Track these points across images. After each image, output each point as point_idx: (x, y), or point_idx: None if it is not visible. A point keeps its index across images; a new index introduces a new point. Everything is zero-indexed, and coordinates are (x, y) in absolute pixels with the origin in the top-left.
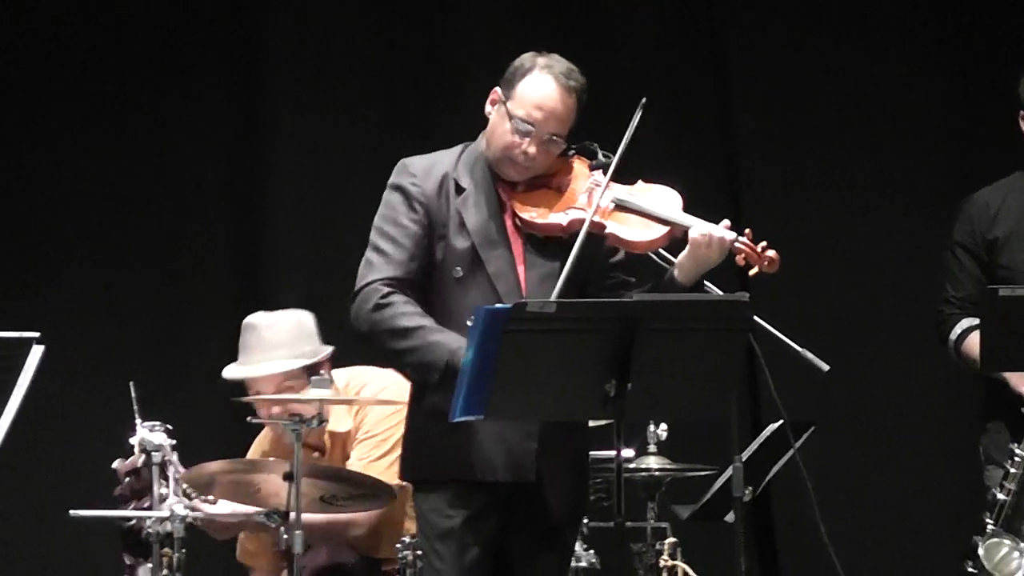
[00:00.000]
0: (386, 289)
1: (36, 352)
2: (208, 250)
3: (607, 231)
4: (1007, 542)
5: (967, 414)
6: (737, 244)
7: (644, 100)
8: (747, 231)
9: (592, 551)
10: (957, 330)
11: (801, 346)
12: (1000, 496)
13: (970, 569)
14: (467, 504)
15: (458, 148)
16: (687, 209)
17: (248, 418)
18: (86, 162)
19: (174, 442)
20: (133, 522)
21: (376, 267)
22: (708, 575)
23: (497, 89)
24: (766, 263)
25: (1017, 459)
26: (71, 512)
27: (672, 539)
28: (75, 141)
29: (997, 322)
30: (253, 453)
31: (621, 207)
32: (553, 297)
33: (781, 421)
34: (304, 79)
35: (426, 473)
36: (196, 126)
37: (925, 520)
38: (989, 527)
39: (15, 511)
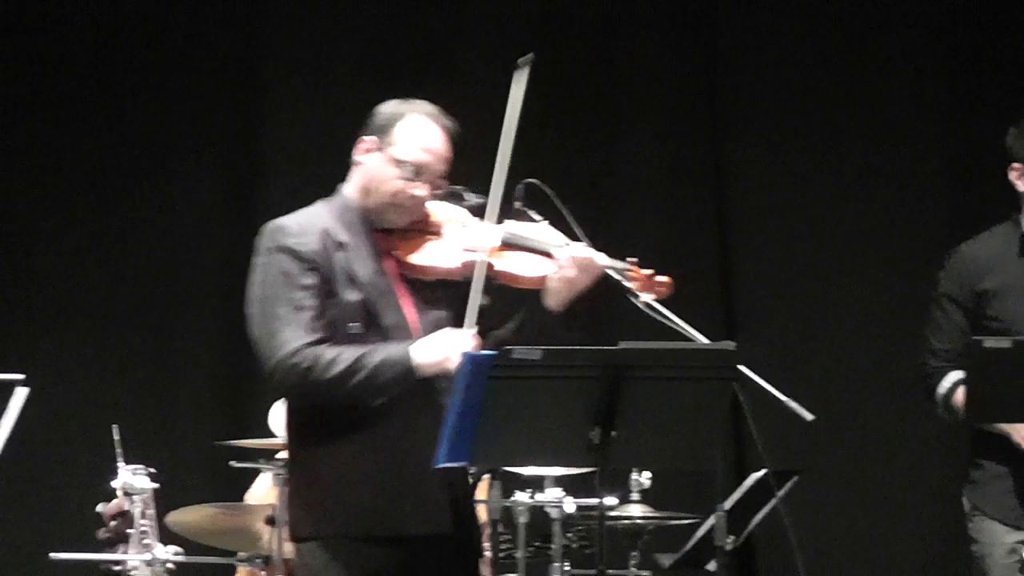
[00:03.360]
0: (306, 351)
1: (21, 394)
2: (196, 295)
3: (496, 269)
4: None
5: (951, 464)
6: (629, 273)
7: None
8: (634, 260)
9: None
10: (946, 384)
11: (786, 395)
12: None
13: None
14: (368, 563)
15: (321, 203)
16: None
17: (231, 462)
18: (76, 208)
19: (156, 485)
20: (118, 566)
21: (284, 339)
22: None
23: (367, 137)
24: (657, 289)
25: None
26: (51, 555)
27: None
28: (66, 188)
29: (981, 373)
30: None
31: (507, 245)
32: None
33: (764, 470)
34: (298, 140)
35: (322, 529)
36: (189, 176)
37: (909, 569)
38: None
39: None
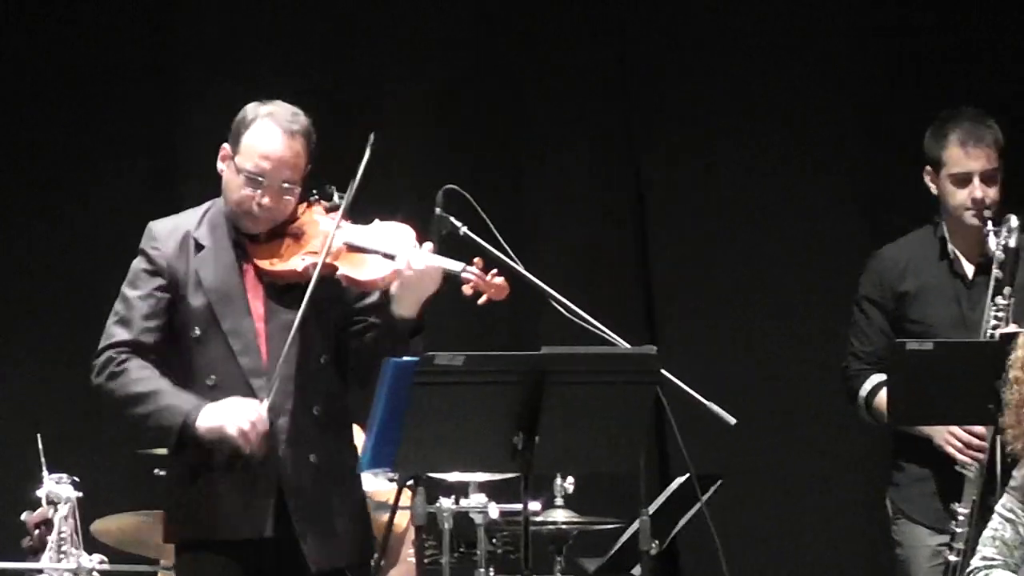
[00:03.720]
0: (123, 356)
1: None
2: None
3: (339, 273)
4: None
5: (874, 467)
6: (464, 274)
7: (372, 136)
8: (476, 260)
9: None
10: (867, 386)
11: (708, 399)
12: (952, 558)
13: None
14: (229, 562)
15: (205, 206)
16: None
17: (155, 470)
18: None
19: (80, 494)
20: (42, 574)
21: (113, 333)
22: None
23: (225, 145)
24: (493, 291)
25: (961, 518)
26: None
27: None
28: None
29: (904, 376)
30: None
31: (353, 248)
32: (285, 346)
33: (688, 474)
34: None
35: (182, 535)
36: (110, 187)
37: (831, 572)
38: None
39: None
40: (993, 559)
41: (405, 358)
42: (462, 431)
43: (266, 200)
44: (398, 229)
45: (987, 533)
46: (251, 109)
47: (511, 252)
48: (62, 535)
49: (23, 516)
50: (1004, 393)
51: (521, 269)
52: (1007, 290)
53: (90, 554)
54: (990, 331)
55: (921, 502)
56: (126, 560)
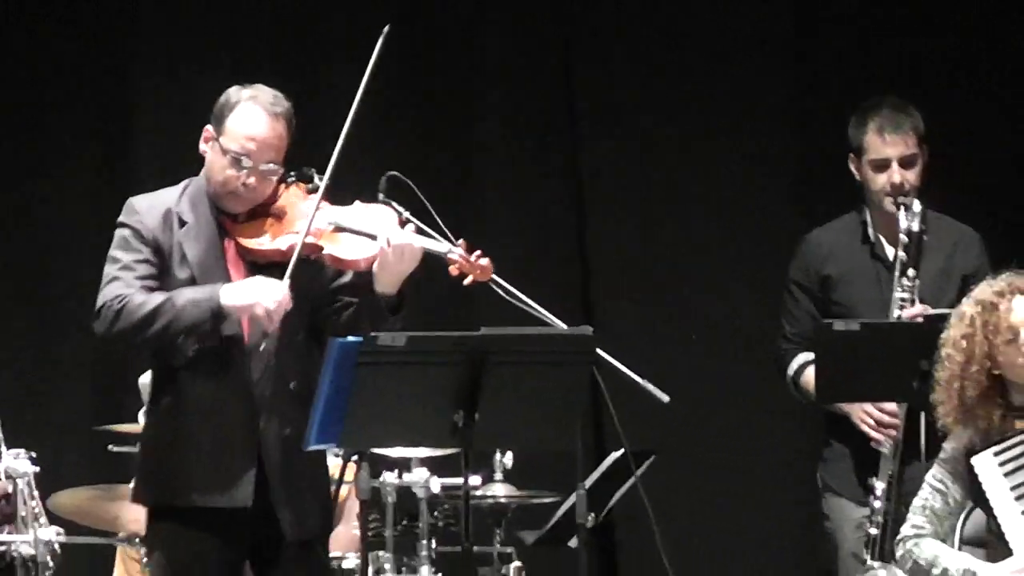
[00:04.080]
0: (119, 299)
1: None
2: (73, 283)
3: (324, 252)
4: (881, 572)
5: (805, 443)
6: (449, 255)
7: (387, 28)
8: (461, 241)
9: (440, 575)
10: (794, 365)
11: (642, 378)
12: (872, 531)
13: None
14: (202, 530)
15: (183, 184)
16: None
17: (110, 446)
18: None
19: (37, 469)
20: (2, 547)
21: (111, 289)
22: None
23: (208, 127)
24: (479, 271)
25: (879, 493)
26: None
27: (518, 563)
28: None
29: (831, 355)
30: None
31: (338, 228)
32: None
33: (623, 450)
34: (168, 134)
35: (159, 499)
36: (65, 169)
37: (765, 545)
38: (868, 561)
39: None
40: (922, 527)
41: (349, 338)
42: (405, 409)
43: (251, 180)
44: (380, 210)
45: (917, 502)
46: (234, 92)
47: (451, 236)
48: (29, 508)
49: None
50: (935, 371)
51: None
52: (911, 271)
53: (48, 526)
54: (897, 311)
55: (845, 477)
56: (82, 532)
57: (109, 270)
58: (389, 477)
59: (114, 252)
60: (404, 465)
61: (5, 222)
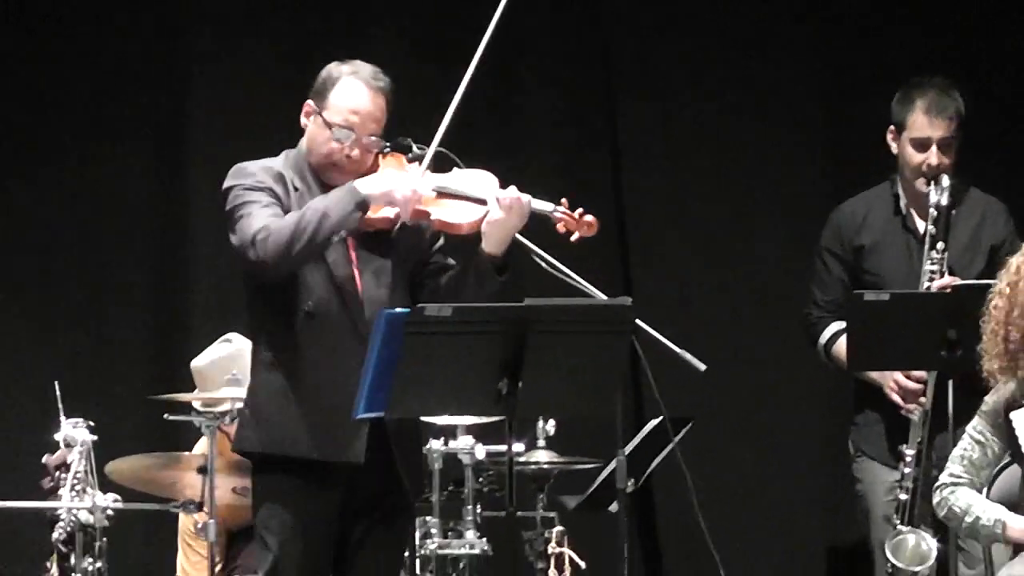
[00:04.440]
0: (263, 230)
1: None
2: (131, 254)
3: (433, 217)
4: (911, 536)
5: (836, 409)
6: (555, 214)
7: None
8: (563, 200)
9: (485, 539)
10: (827, 334)
11: (680, 347)
12: (902, 496)
13: (888, 571)
14: (306, 481)
15: (283, 155)
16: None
17: (165, 415)
18: (15, 173)
19: (95, 437)
20: (61, 512)
21: (249, 224)
22: (593, 562)
23: (310, 102)
24: (585, 228)
25: (908, 459)
26: None
27: (560, 528)
28: (6, 154)
29: (862, 324)
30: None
31: (442, 193)
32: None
33: (661, 417)
34: (220, 106)
35: (267, 447)
36: (121, 143)
37: (798, 508)
38: (898, 526)
39: None
40: (960, 476)
41: (397, 309)
42: (450, 378)
43: (355, 152)
44: (482, 174)
45: (956, 452)
46: (334, 68)
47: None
48: (78, 476)
49: (43, 459)
50: (983, 324)
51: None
52: (940, 244)
53: (104, 493)
54: (926, 282)
55: (877, 442)
56: (137, 499)
57: (244, 210)
58: (436, 444)
59: (243, 192)
60: (450, 432)
61: (62, 192)
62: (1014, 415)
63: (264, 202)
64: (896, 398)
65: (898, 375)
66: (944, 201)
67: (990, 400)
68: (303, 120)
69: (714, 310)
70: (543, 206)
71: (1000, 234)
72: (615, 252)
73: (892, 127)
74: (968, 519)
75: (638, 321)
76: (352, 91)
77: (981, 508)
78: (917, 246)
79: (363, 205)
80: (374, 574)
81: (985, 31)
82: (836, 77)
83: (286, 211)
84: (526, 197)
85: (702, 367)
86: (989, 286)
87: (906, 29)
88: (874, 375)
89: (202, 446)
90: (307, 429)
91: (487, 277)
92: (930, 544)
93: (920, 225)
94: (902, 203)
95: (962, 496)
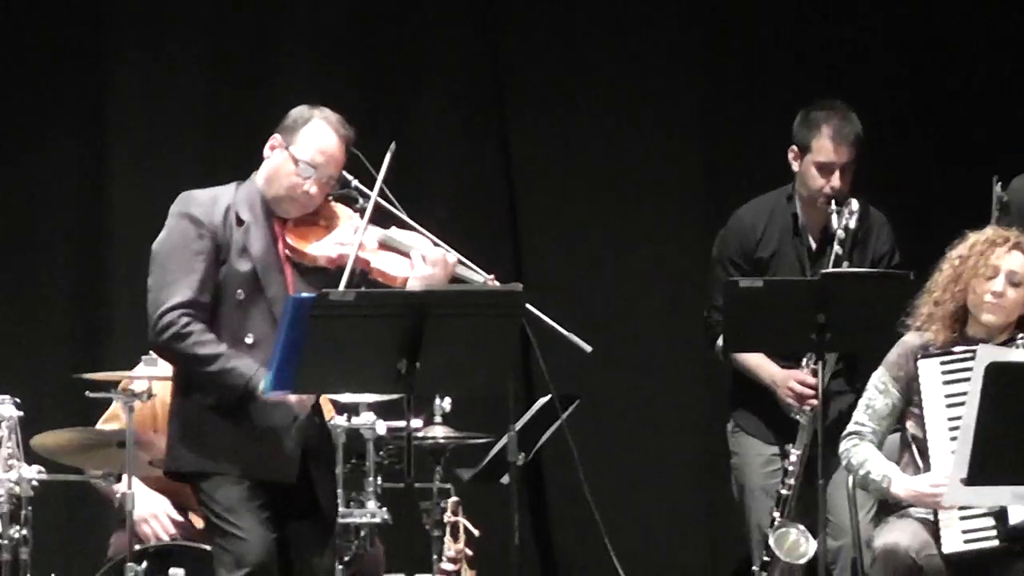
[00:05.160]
0: (185, 319)
1: None
2: (53, 235)
3: (372, 266)
4: (793, 530)
5: (715, 386)
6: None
7: (393, 144)
8: (491, 276)
9: (385, 509)
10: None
11: (567, 330)
12: (783, 492)
13: (765, 558)
14: (251, 487)
15: (233, 185)
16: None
17: (87, 392)
18: None
19: (21, 413)
20: None
21: (172, 293)
22: (487, 530)
23: (277, 136)
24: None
25: (793, 459)
26: None
27: (455, 498)
28: None
29: (738, 310)
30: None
31: (385, 245)
32: None
33: (550, 395)
34: (142, 103)
35: (204, 466)
36: (46, 125)
37: (679, 480)
38: (777, 519)
39: None
40: (864, 424)
41: (303, 295)
42: (353, 358)
43: (314, 189)
44: (417, 236)
45: (862, 402)
46: (306, 110)
47: (397, 203)
48: (7, 450)
49: None
50: (931, 279)
51: (407, 219)
52: (845, 264)
53: (29, 465)
54: None
55: (756, 421)
56: (61, 470)
57: (169, 266)
58: (339, 420)
59: (172, 250)
60: (353, 409)
61: None
62: (921, 363)
63: (192, 265)
64: (790, 402)
65: (792, 382)
66: (852, 225)
67: (894, 352)
68: (267, 152)
69: (599, 296)
70: (474, 277)
71: (882, 248)
72: (507, 242)
73: (794, 147)
74: (861, 471)
75: (528, 306)
76: (322, 133)
77: (873, 464)
78: (809, 262)
79: (246, 394)
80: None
81: (861, 49)
82: (715, 82)
83: (219, 249)
84: (452, 257)
85: (588, 348)
86: (856, 275)
87: (787, 45)
88: (765, 378)
89: (110, 419)
90: (243, 449)
91: None
92: (808, 539)
93: (813, 243)
94: (800, 222)
95: (860, 451)
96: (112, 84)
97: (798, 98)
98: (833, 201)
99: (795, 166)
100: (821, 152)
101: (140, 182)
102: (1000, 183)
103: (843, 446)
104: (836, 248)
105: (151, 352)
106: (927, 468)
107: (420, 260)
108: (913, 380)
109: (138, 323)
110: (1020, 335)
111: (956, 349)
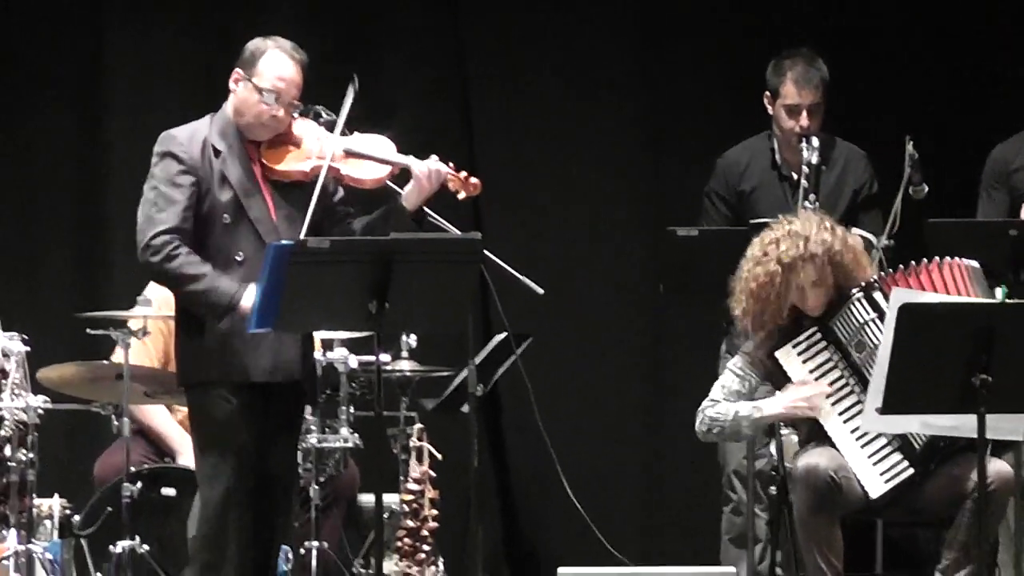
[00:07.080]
0: (174, 242)
1: None
2: (56, 185)
3: (343, 173)
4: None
5: (659, 325)
6: (448, 175)
7: (355, 76)
8: (450, 164)
9: (356, 435)
10: None
11: (522, 274)
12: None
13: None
14: (240, 398)
15: (207, 117)
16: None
17: (87, 329)
18: None
19: (29, 348)
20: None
21: (159, 221)
22: (448, 454)
23: (238, 70)
24: (471, 188)
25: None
26: None
27: (420, 425)
28: None
29: (674, 256)
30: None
31: (351, 153)
32: (302, 233)
33: (506, 333)
34: (136, 59)
35: (205, 376)
36: (46, 82)
37: (618, 413)
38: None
39: None
40: (717, 400)
41: (283, 241)
42: (328, 299)
43: (280, 113)
44: (381, 139)
45: (718, 383)
46: (260, 42)
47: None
48: (15, 381)
49: None
50: (731, 280)
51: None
52: (811, 196)
53: (35, 395)
54: None
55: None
56: (65, 400)
57: (155, 199)
58: (316, 355)
59: (158, 184)
60: (328, 345)
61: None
62: (778, 354)
63: (174, 197)
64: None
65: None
66: (814, 159)
67: (750, 346)
68: (232, 85)
69: (551, 243)
70: (448, 172)
71: (861, 178)
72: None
73: (768, 93)
74: (729, 417)
75: (486, 252)
76: (279, 61)
77: (736, 406)
78: (791, 192)
79: (230, 309)
80: (283, 466)
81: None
82: (659, 46)
83: (201, 181)
84: (442, 168)
85: (540, 291)
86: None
87: (726, 10)
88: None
89: (119, 356)
90: (255, 357)
91: (404, 226)
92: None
93: (794, 175)
94: (777, 157)
95: (720, 408)
96: (113, 24)
97: (739, 63)
98: (804, 139)
99: (770, 110)
100: (788, 96)
101: (138, 128)
102: (912, 142)
103: (698, 421)
104: (803, 182)
105: (145, 293)
106: (809, 440)
107: (421, 171)
108: (774, 372)
109: (135, 266)
110: (855, 291)
111: (801, 334)
